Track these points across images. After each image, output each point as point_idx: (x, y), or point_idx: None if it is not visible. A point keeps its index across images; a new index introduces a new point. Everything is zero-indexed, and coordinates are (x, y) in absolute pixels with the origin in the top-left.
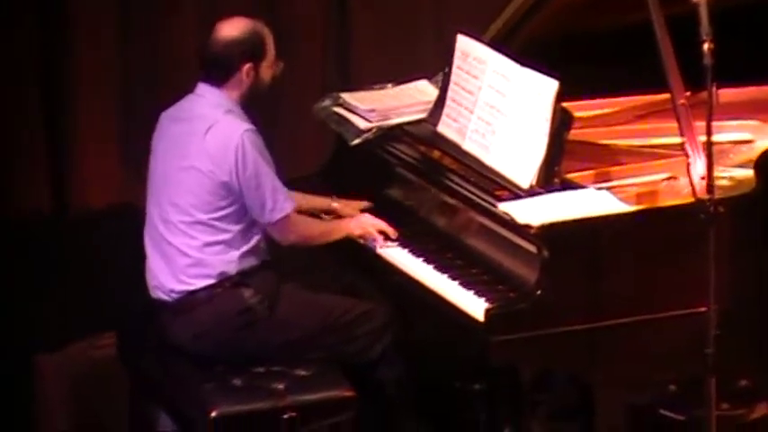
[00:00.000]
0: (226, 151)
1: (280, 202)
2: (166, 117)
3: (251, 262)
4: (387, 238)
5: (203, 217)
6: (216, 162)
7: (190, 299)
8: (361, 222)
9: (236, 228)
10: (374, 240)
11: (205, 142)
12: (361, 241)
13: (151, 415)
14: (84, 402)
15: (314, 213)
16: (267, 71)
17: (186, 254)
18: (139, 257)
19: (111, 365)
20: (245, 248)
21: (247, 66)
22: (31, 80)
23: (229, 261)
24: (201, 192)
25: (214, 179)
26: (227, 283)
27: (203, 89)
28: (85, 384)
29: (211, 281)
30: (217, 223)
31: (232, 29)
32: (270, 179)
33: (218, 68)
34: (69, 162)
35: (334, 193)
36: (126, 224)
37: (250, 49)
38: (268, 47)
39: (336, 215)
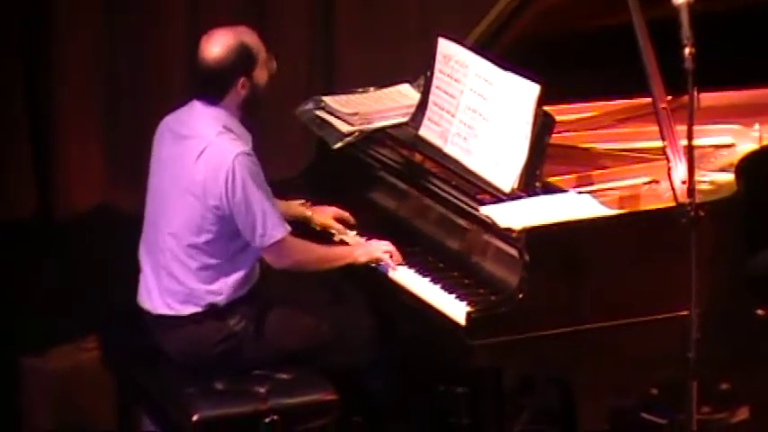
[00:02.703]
0: (216, 176)
1: (269, 229)
2: (167, 127)
3: (240, 292)
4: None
5: (195, 240)
6: (206, 186)
7: (176, 320)
8: (368, 250)
9: (227, 253)
10: (385, 265)
11: (196, 166)
12: (373, 264)
13: (135, 418)
14: (70, 405)
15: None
16: (262, 74)
17: (179, 281)
18: (124, 259)
19: (97, 368)
20: (235, 277)
21: (242, 80)
22: (16, 82)
23: (219, 293)
24: (193, 215)
25: (205, 203)
26: (213, 311)
27: (199, 106)
28: (71, 387)
29: (199, 309)
30: (207, 247)
31: (218, 47)
32: (260, 204)
33: (211, 88)
34: (54, 165)
35: (311, 199)
36: (111, 226)
37: (241, 63)
38: (257, 53)
39: (310, 222)
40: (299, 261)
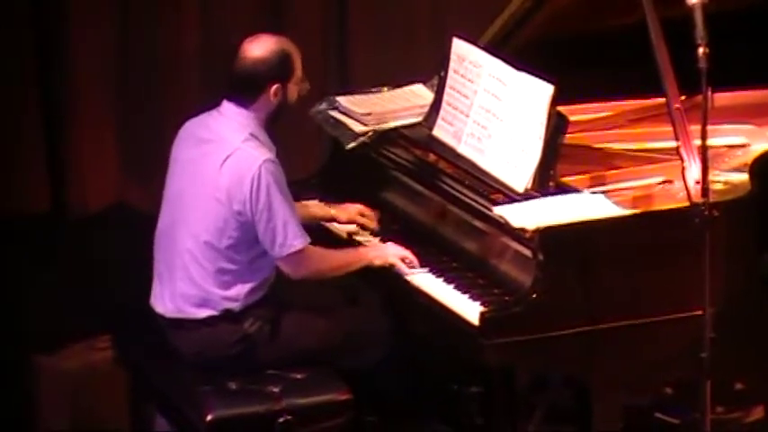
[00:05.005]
0: (241, 182)
1: (290, 238)
2: (189, 132)
3: (255, 297)
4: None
5: (216, 243)
6: (231, 192)
7: (190, 323)
8: (384, 254)
9: (245, 258)
10: (399, 269)
11: (221, 171)
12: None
13: (148, 417)
14: (82, 404)
15: (313, 222)
16: (294, 90)
17: (195, 283)
18: (138, 258)
19: (109, 367)
20: (251, 285)
21: (275, 86)
22: (30, 80)
23: (235, 299)
24: (215, 218)
25: (228, 208)
26: (228, 315)
27: (228, 108)
28: (83, 386)
29: (214, 313)
30: (227, 252)
31: (260, 48)
32: (282, 213)
33: (245, 89)
34: (67, 163)
35: (325, 199)
36: (125, 225)
37: (277, 69)
38: (295, 66)
39: (334, 220)
40: (316, 270)
